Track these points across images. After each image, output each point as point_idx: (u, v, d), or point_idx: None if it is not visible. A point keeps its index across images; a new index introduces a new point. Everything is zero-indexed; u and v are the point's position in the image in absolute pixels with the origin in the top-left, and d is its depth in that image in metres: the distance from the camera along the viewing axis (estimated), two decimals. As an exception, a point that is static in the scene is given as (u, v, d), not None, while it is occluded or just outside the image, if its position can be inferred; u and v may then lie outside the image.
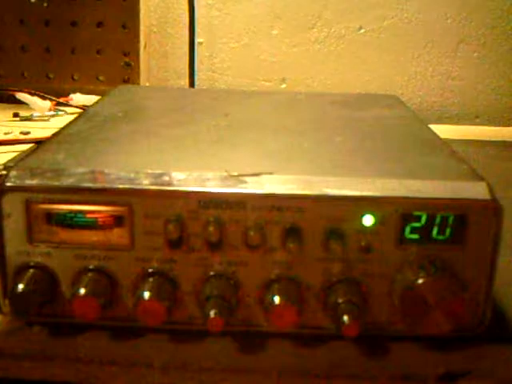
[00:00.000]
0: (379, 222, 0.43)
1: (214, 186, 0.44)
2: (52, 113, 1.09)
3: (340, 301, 0.44)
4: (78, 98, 1.12)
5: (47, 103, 1.08)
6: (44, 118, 1.08)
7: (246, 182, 0.44)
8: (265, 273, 0.45)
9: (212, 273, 0.45)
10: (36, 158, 0.49)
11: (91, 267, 0.46)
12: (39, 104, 1.08)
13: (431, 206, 0.44)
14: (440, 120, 1.24)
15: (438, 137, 0.58)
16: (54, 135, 0.56)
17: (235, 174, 0.45)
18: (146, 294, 0.44)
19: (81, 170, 0.46)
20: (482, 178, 0.46)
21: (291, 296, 0.44)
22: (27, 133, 0.97)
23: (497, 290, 0.46)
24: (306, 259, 0.44)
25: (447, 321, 0.43)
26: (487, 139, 1.09)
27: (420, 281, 0.43)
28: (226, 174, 0.45)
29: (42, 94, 1.08)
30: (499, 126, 1.21)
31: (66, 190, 0.44)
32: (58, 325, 0.47)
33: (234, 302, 0.44)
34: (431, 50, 1.22)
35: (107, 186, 0.44)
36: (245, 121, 0.62)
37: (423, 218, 0.44)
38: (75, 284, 0.45)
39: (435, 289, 0.43)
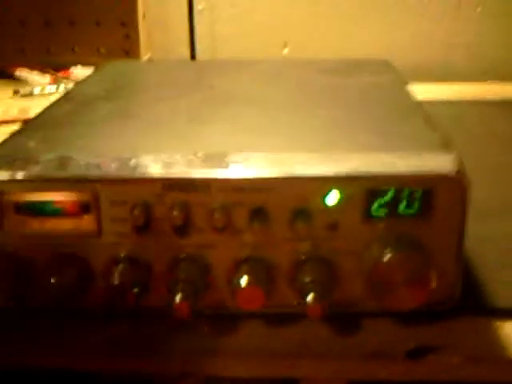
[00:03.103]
0: (345, 199, 0.43)
1: (178, 169, 0.44)
2: (53, 88, 1.09)
3: (307, 280, 0.43)
4: (79, 72, 1.11)
5: (47, 78, 1.08)
6: (45, 93, 1.07)
7: (210, 164, 0.44)
8: (233, 254, 0.45)
9: (181, 256, 0.45)
10: (8, 146, 0.49)
11: (63, 255, 0.46)
12: (38, 79, 1.07)
13: (397, 181, 0.43)
14: (446, 78, 1.22)
15: (418, 104, 0.57)
16: (32, 120, 0.56)
17: (200, 154, 0.44)
18: (117, 279, 0.44)
19: (48, 156, 0.46)
20: (451, 150, 0.45)
21: (259, 277, 0.44)
22: (26, 111, 0.96)
23: (471, 263, 0.46)
24: (274, 239, 0.44)
25: (416, 296, 0.43)
26: (493, 98, 1.06)
27: (387, 257, 0.43)
28: (191, 155, 0.44)
29: (41, 68, 1.07)
30: (506, 81, 1.19)
31: (32, 180, 0.44)
32: (34, 311, 0.47)
33: (202, 285, 0.44)
34: (433, 6, 1.19)
35: (72, 174, 0.44)
36: (228, 94, 0.62)
37: (390, 194, 0.43)
38: (47, 271, 0.45)
39: (402, 264, 0.42)
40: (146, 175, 0.44)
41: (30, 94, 1.06)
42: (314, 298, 0.42)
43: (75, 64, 1.13)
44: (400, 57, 1.17)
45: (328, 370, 0.44)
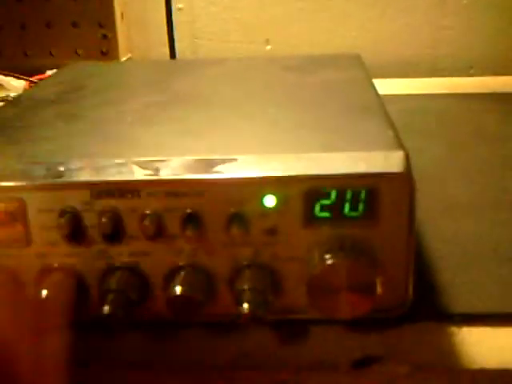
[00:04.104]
0: (282, 203, 0.41)
1: (106, 174, 0.41)
2: (30, 91, 1.07)
3: (245, 287, 0.41)
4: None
5: (22, 83, 1.06)
6: (21, 97, 1.05)
7: (141, 167, 0.41)
8: (168, 262, 0.42)
9: (114, 265, 0.42)
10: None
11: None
12: (13, 84, 1.05)
13: (338, 181, 0.40)
14: (433, 73, 1.19)
15: (378, 102, 0.55)
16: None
17: (131, 158, 0.42)
18: (44, 292, 0.41)
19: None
20: (400, 147, 0.42)
21: (194, 285, 0.41)
22: None
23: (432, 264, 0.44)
24: (210, 246, 0.42)
25: (360, 304, 0.40)
26: (479, 91, 1.04)
27: (330, 262, 0.40)
28: (121, 160, 0.42)
29: (15, 74, 1.05)
30: (494, 75, 1.16)
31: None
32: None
33: (135, 294, 0.42)
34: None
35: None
36: (182, 95, 0.60)
37: (333, 195, 0.41)
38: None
39: (344, 270, 0.40)
40: (73, 181, 0.41)
41: (6, 98, 1.04)
42: (249, 307, 0.39)
43: (52, 67, 1.10)
44: (385, 51, 1.15)
45: (269, 381, 0.41)
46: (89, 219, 0.42)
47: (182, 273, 0.42)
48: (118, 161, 0.42)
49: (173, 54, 1.17)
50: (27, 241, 0.43)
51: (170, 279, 0.42)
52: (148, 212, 0.41)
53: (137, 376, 0.42)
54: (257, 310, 0.40)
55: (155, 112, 0.54)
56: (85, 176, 0.42)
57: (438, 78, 1.13)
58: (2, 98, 1.03)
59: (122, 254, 0.42)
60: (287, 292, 0.42)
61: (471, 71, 1.18)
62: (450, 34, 1.18)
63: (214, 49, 1.20)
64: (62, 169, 0.42)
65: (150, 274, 0.43)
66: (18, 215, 0.42)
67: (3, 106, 0.58)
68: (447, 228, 0.53)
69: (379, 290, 0.40)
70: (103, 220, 0.41)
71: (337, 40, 1.19)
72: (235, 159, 0.42)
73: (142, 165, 0.42)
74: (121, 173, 0.41)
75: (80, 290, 0.43)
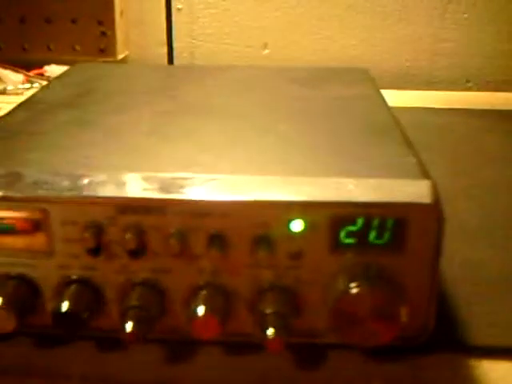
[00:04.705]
0: (309, 228, 0.40)
1: (132, 190, 0.41)
2: (27, 85, 1.06)
3: (267, 311, 0.41)
4: (53, 70, 1.08)
5: (20, 76, 1.05)
6: (18, 91, 1.04)
7: (167, 185, 0.41)
8: (190, 280, 0.42)
9: (134, 281, 0.42)
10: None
11: (13, 274, 0.43)
12: (11, 77, 1.04)
13: (366, 209, 0.40)
14: (429, 85, 1.19)
15: (395, 122, 0.54)
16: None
17: (156, 175, 0.42)
18: (65, 304, 0.41)
19: (7, 171, 0.43)
20: (426, 177, 0.42)
21: (216, 305, 0.41)
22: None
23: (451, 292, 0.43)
24: (233, 267, 0.42)
25: (383, 333, 0.40)
26: (476, 107, 1.04)
27: (354, 289, 0.40)
28: (146, 175, 0.42)
29: (13, 67, 1.04)
30: (491, 90, 1.17)
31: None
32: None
33: (156, 311, 0.42)
34: (419, 11, 1.17)
35: (21, 192, 0.41)
36: (193, 105, 0.59)
37: (359, 222, 0.41)
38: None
39: (370, 298, 0.40)
40: (99, 196, 0.41)
41: (3, 92, 1.03)
42: (275, 332, 0.39)
43: (50, 61, 1.09)
44: (382, 62, 1.15)
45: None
46: (112, 234, 0.41)
47: (203, 292, 0.42)
48: (142, 176, 0.42)
49: (170, 54, 1.16)
50: (49, 252, 0.42)
51: (190, 297, 0.42)
52: (172, 230, 0.41)
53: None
54: (281, 334, 0.39)
55: (169, 122, 0.54)
56: (110, 191, 0.41)
57: (435, 91, 1.14)
58: (5, 90, 1.02)
59: (143, 269, 0.42)
60: (308, 316, 0.42)
61: (468, 85, 1.18)
62: (448, 47, 1.18)
63: (211, 51, 1.20)
64: (86, 181, 0.42)
65: (171, 290, 0.42)
66: (42, 225, 0.42)
67: (15, 109, 0.57)
68: (460, 252, 0.53)
69: (403, 319, 0.40)
70: (127, 236, 0.41)
71: (334, 48, 1.19)
72: (260, 180, 0.41)
73: (167, 182, 0.41)
74: (146, 189, 0.41)
75: (98, 304, 0.42)
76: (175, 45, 1.19)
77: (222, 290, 0.42)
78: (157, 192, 0.41)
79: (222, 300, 0.42)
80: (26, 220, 0.42)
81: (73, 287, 0.43)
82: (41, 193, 0.42)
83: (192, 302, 0.42)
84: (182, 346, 0.44)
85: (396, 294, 0.40)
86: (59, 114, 0.56)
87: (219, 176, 0.42)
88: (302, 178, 0.42)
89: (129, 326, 0.40)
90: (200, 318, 0.41)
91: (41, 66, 1.09)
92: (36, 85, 1.06)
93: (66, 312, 0.42)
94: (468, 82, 1.20)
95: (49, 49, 1.16)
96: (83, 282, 0.43)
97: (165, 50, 1.19)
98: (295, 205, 0.40)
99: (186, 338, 0.43)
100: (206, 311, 0.41)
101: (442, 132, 0.88)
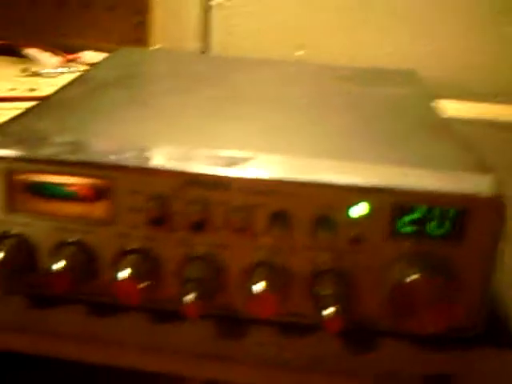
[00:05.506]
0: (371, 213, 0.41)
1: (199, 166, 0.42)
2: (62, 69, 1.06)
3: (325, 292, 0.41)
4: (90, 56, 1.09)
5: (56, 59, 1.06)
6: (53, 74, 1.05)
7: (233, 162, 0.41)
8: (248, 257, 0.43)
9: (194, 254, 0.43)
10: (20, 124, 0.47)
11: (70, 240, 0.44)
12: (48, 60, 1.05)
13: (430, 198, 0.41)
14: (459, 97, 1.19)
15: (447, 121, 0.55)
16: (44, 99, 0.54)
17: (223, 153, 0.42)
18: (123, 273, 0.42)
19: (63, 139, 0.44)
20: (488, 171, 0.43)
21: (273, 283, 0.41)
22: (33, 90, 0.94)
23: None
24: (293, 246, 0.42)
25: (438, 321, 0.41)
26: (506, 120, 1.04)
27: (411, 277, 0.40)
28: (213, 152, 0.42)
29: (53, 50, 1.05)
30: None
31: (47, 162, 0.42)
32: (35, 296, 0.45)
33: (214, 285, 0.42)
34: (454, 22, 1.17)
35: (90, 159, 0.42)
36: (244, 93, 0.60)
37: (420, 211, 0.41)
38: (53, 256, 0.43)
39: (427, 288, 0.40)
40: (167, 168, 0.41)
41: (40, 74, 1.03)
42: (334, 312, 0.40)
43: (83, 47, 1.10)
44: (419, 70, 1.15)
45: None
46: (176, 206, 0.42)
47: (261, 270, 0.42)
48: (208, 152, 0.42)
49: (204, 48, 1.16)
50: (110, 220, 0.43)
51: (248, 274, 0.42)
52: (235, 206, 0.41)
53: (206, 365, 0.42)
54: (338, 315, 0.40)
55: (222, 106, 0.55)
56: (178, 164, 0.42)
57: (466, 101, 1.14)
58: (36, 73, 1.03)
59: (203, 243, 0.42)
60: (362, 301, 0.43)
61: (497, 99, 1.19)
62: (479, 59, 1.18)
63: (246, 48, 1.20)
64: (153, 153, 0.42)
65: (229, 266, 0.43)
66: (107, 193, 0.42)
67: (69, 84, 0.58)
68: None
69: (459, 309, 0.40)
70: (191, 209, 0.41)
71: (370, 52, 1.19)
72: (324, 164, 0.42)
73: (233, 159, 0.42)
74: (213, 165, 0.41)
75: (156, 276, 0.43)
76: (209, 40, 1.19)
77: (280, 268, 0.42)
78: (223, 168, 0.41)
79: (280, 279, 0.42)
80: (90, 187, 0.42)
81: (131, 257, 0.43)
82: (110, 161, 0.42)
83: (249, 280, 0.42)
84: (234, 324, 0.44)
85: (453, 284, 0.41)
86: (111, 92, 0.57)
87: (282, 157, 0.42)
88: (365, 165, 0.43)
89: (188, 299, 0.41)
90: (258, 295, 0.41)
91: (74, 52, 1.10)
92: (73, 69, 1.06)
93: (122, 281, 0.42)
94: (497, 95, 1.20)
95: (83, 35, 1.16)
96: (142, 252, 0.43)
97: (198, 43, 1.19)
98: (360, 189, 0.41)
99: (240, 315, 0.43)
100: (264, 289, 0.41)
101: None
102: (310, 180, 0.41)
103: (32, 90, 0.94)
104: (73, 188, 0.42)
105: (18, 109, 0.83)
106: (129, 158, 0.42)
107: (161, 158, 0.42)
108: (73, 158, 0.42)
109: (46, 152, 0.43)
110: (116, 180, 0.42)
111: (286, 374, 0.42)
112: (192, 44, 1.18)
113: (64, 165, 0.42)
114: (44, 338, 0.43)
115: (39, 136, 0.44)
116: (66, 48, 1.10)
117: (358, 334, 0.43)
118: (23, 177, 0.42)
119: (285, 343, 0.43)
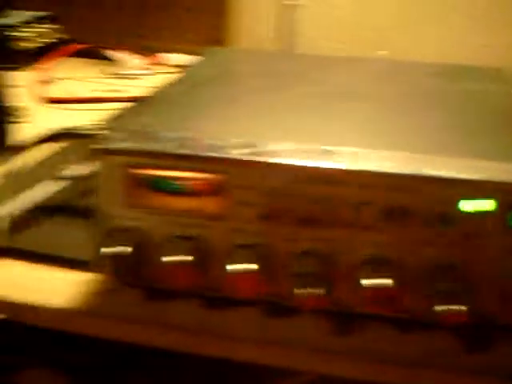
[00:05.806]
0: (495, 208, 0.40)
1: (312, 161, 0.42)
2: (143, 71, 1.08)
3: (442, 288, 0.41)
4: (173, 58, 1.10)
5: (138, 61, 1.07)
6: (135, 76, 1.06)
7: (343, 158, 0.42)
8: (359, 253, 0.43)
9: (305, 249, 0.43)
10: (132, 120, 0.48)
11: (184, 235, 0.44)
12: (130, 62, 1.06)
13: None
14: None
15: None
16: (149, 96, 0.55)
17: (332, 148, 0.42)
18: (236, 267, 0.42)
19: (172, 135, 0.45)
20: None
21: (385, 280, 0.41)
22: (117, 91, 0.95)
23: None
24: (406, 240, 0.42)
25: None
26: None
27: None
28: (322, 147, 0.42)
29: (142, 53, 1.06)
30: None
31: (165, 156, 0.43)
32: (151, 289, 0.46)
33: (325, 280, 0.42)
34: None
35: (206, 154, 0.43)
36: (337, 89, 0.60)
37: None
38: (167, 250, 0.43)
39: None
40: (280, 163, 0.42)
41: (121, 75, 1.05)
42: (450, 307, 0.39)
43: (161, 50, 1.11)
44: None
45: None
46: (291, 202, 0.42)
47: (372, 265, 0.42)
48: (321, 147, 0.43)
49: (282, 50, 1.17)
50: (222, 215, 0.43)
51: (358, 270, 0.42)
52: (347, 201, 0.41)
53: (322, 362, 0.42)
54: (459, 312, 0.40)
55: (319, 103, 0.56)
56: (291, 159, 0.42)
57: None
58: (118, 74, 1.04)
59: (312, 238, 0.43)
60: (477, 297, 0.42)
61: None
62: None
63: (327, 50, 1.19)
64: (266, 149, 0.43)
65: (339, 261, 0.43)
66: (221, 188, 0.43)
67: (169, 82, 0.59)
68: None
69: None
70: (303, 204, 0.41)
71: (451, 52, 1.17)
72: (436, 159, 0.42)
73: (346, 155, 0.42)
74: (328, 160, 0.42)
75: (265, 271, 0.43)
76: (285, 41, 1.19)
77: (391, 263, 0.42)
78: (338, 164, 0.42)
79: (392, 274, 0.42)
80: (206, 182, 0.43)
81: (243, 252, 0.43)
82: (228, 156, 0.43)
83: (360, 275, 0.42)
84: (346, 319, 0.44)
85: None
86: (209, 90, 0.58)
87: (390, 152, 0.43)
88: (478, 161, 0.42)
89: (300, 293, 0.41)
90: (368, 290, 0.41)
91: (154, 52, 1.11)
92: (156, 71, 1.07)
93: (239, 275, 0.42)
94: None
95: (162, 37, 1.18)
96: (253, 247, 0.43)
97: (275, 44, 1.19)
98: (483, 184, 0.41)
99: (349, 310, 0.43)
100: (375, 284, 0.41)
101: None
102: (430, 175, 0.41)
103: (118, 90, 0.95)
104: (188, 182, 0.43)
105: (100, 110, 0.85)
106: (244, 154, 0.42)
107: (272, 154, 0.42)
108: (191, 152, 0.42)
109: (158, 147, 0.43)
110: (230, 175, 0.42)
111: (401, 371, 0.41)
112: (267, 46, 1.18)
113: (181, 159, 0.43)
114: (159, 330, 0.44)
115: (149, 132, 0.45)
116: (143, 49, 1.12)
117: (475, 329, 0.43)
118: (139, 171, 0.43)
119: (400, 338, 0.43)
